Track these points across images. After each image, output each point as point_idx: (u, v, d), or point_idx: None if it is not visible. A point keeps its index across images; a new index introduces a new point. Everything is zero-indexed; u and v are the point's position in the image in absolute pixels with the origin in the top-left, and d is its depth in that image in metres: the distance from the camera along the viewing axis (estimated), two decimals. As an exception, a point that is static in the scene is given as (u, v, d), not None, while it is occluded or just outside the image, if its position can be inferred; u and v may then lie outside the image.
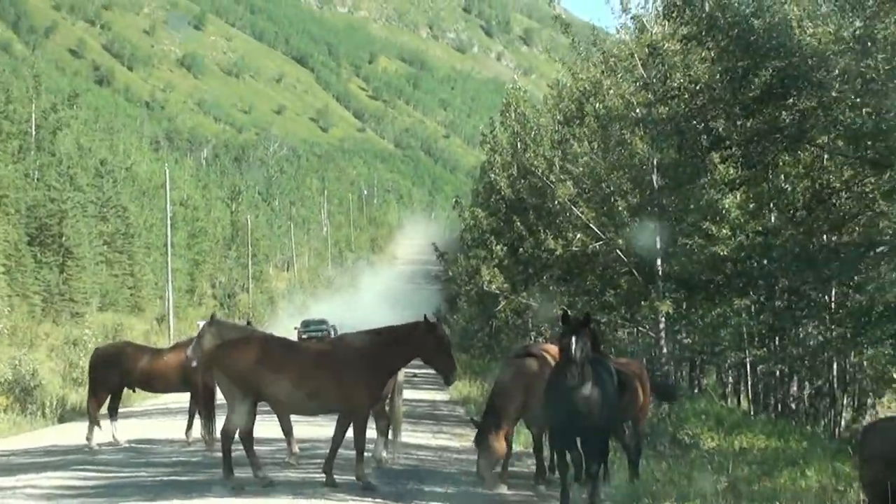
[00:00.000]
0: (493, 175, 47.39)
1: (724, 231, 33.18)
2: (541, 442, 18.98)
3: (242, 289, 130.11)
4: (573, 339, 15.52)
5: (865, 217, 28.93)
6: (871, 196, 27.93)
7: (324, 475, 18.22)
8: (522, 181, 42.98)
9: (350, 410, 17.96)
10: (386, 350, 17.99)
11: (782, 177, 31.68)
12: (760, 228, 31.76)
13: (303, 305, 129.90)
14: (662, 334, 35.44)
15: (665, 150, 33.45)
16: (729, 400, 48.97)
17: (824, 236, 29.16)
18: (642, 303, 36.02)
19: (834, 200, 28.71)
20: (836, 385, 36.05)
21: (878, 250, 27.46)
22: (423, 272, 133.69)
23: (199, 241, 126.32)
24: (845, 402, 36.28)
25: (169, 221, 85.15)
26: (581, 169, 36.32)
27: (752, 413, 40.27)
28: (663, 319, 35.22)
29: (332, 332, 78.13)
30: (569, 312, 16.55)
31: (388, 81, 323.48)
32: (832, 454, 26.56)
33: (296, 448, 21.17)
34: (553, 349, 19.05)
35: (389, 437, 21.25)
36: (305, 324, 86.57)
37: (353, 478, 18.09)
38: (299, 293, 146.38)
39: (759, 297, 30.83)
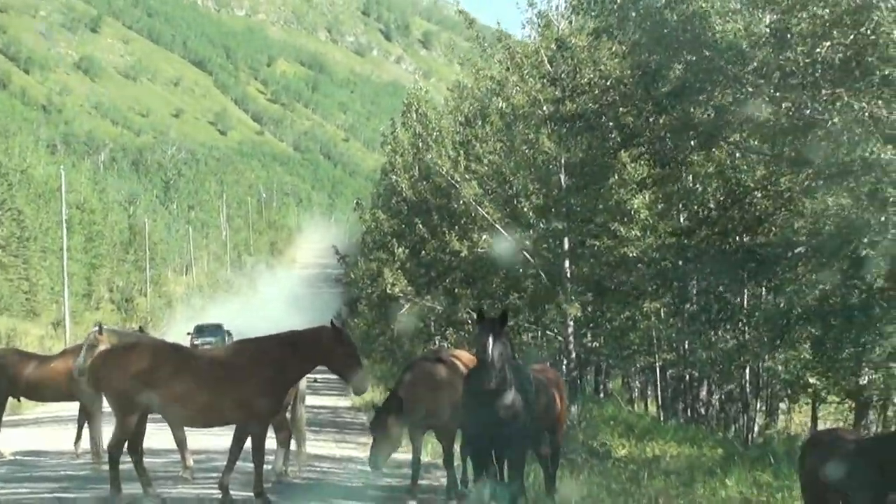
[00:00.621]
0: (394, 177, 46.32)
1: (634, 232, 32.32)
2: (451, 454, 17.77)
3: (140, 293, 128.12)
4: (489, 339, 14.33)
5: (781, 217, 28.08)
6: (786, 195, 27.09)
7: (220, 491, 16.82)
8: (425, 182, 42.07)
9: (248, 422, 16.59)
10: (288, 357, 16.58)
11: (690, 177, 30.76)
12: (670, 230, 30.73)
13: (202, 309, 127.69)
14: (571, 338, 34.42)
15: (573, 149, 32.55)
16: (636, 405, 48.22)
17: (737, 237, 28.15)
18: (548, 306, 35.05)
19: (749, 200, 27.83)
20: (748, 390, 35.22)
21: (795, 251, 26.64)
22: (323, 276, 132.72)
23: (96, 245, 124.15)
24: (758, 407, 35.46)
25: (65, 225, 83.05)
26: (486, 168, 35.23)
27: (661, 418, 39.45)
28: (571, 323, 34.22)
29: (227, 339, 76.10)
30: (483, 310, 15.39)
31: (286, 85, 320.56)
32: (750, 462, 25.78)
33: (190, 461, 19.79)
34: (464, 355, 17.92)
35: (291, 448, 19.87)
36: (199, 329, 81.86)
37: (252, 494, 16.77)
38: (198, 297, 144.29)
39: (672, 299, 29.73)
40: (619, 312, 35.27)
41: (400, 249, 40.30)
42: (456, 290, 36.98)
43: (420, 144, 42.27)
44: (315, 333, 17.09)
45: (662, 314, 35.84)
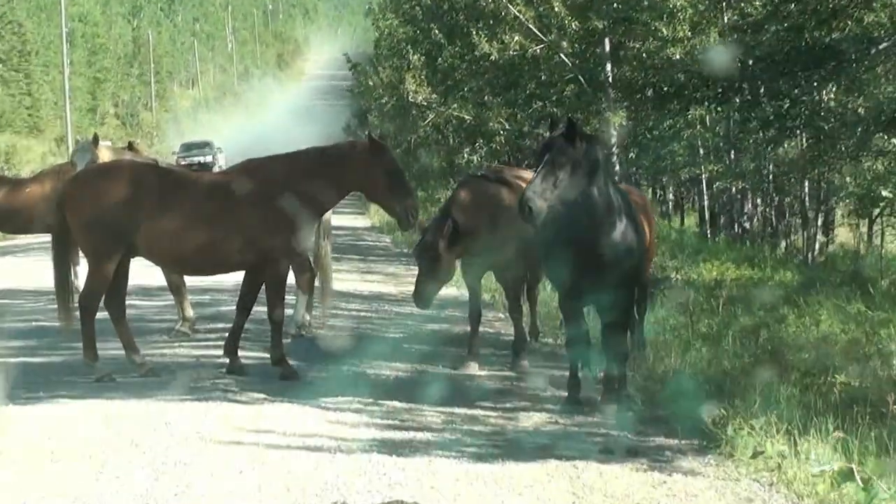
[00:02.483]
0: None
1: (682, 31, 28.33)
2: (517, 302, 13.92)
3: (145, 107, 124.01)
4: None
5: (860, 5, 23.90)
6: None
7: (226, 358, 13.15)
8: None
9: (265, 266, 12.78)
10: (315, 180, 12.68)
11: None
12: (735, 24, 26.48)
13: (208, 124, 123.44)
14: (615, 150, 30.49)
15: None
16: (671, 220, 44.51)
17: (814, 32, 23.89)
18: (589, 115, 30.98)
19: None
20: (807, 203, 31.38)
21: (880, 47, 22.62)
22: (330, 87, 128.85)
23: (99, 59, 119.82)
24: (819, 222, 31.60)
25: (66, 38, 78.46)
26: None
27: (705, 234, 35.76)
28: (615, 133, 30.26)
29: (217, 156, 70.74)
30: (556, 119, 11.45)
31: None
32: (834, 288, 22.08)
33: (189, 310, 15.77)
34: (526, 174, 14.01)
35: (315, 293, 15.93)
36: (186, 147, 73.82)
37: (268, 357, 13.11)
38: (204, 111, 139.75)
39: (744, 102, 25.44)
40: (662, 120, 31.16)
41: (416, 57, 36.12)
42: (486, 98, 32.74)
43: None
44: (348, 148, 13.30)
45: (708, 121, 31.97)
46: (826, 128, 24.14)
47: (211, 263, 12.93)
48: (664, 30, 28.56)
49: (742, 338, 15.54)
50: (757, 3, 27.04)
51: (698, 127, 31.84)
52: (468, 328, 13.82)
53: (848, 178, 28.18)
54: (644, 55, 29.75)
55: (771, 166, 32.04)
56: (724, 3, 30.02)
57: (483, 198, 13.38)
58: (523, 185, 13.59)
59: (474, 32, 31.15)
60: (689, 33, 28.86)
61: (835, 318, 18.71)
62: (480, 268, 13.90)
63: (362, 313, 18.17)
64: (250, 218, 12.50)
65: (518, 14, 30.33)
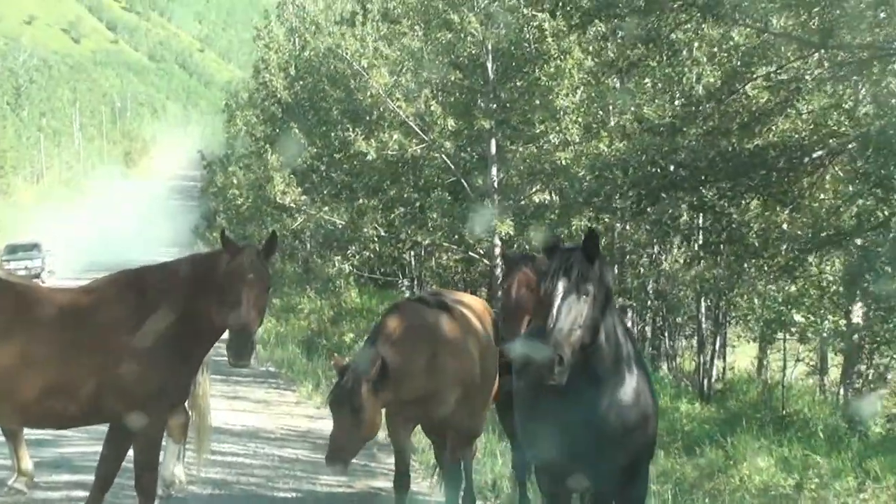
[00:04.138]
0: (267, 75, 40.78)
1: (570, 134, 25.85)
2: (456, 471, 10.60)
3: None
4: (559, 286, 7.22)
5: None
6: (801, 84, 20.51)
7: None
8: (301, 82, 37.16)
9: (130, 416, 9.09)
10: (211, 298, 9.10)
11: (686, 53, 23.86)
12: (656, 122, 23.79)
13: (52, 220, 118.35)
14: (497, 262, 27.53)
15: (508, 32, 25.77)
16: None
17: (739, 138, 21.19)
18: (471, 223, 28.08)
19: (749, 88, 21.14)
20: (704, 326, 28.57)
21: (813, 156, 20.09)
22: (181, 187, 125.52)
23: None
24: (717, 345, 28.89)
25: None
26: (398, 53, 28.00)
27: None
28: (499, 243, 27.38)
29: (46, 262, 63.76)
30: (559, 241, 8.02)
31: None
32: (758, 426, 20.00)
33: (27, 462, 12.14)
34: (474, 302, 10.80)
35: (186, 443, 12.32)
36: (11, 249, 64.31)
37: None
38: (49, 207, 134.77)
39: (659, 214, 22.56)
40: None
41: (274, 157, 33.12)
42: (361, 201, 29.53)
43: (297, 40, 36.68)
44: (215, 257, 9.41)
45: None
46: (756, 244, 21.29)
47: (59, 414, 9.18)
48: (552, 135, 26.17)
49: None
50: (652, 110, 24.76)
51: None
52: (385, 486, 10.40)
53: (756, 300, 25.55)
54: (529, 160, 27.22)
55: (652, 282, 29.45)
56: (610, 107, 27.73)
57: (420, 328, 10.07)
58: (466, 312, 10.44)
59: (350, 129, 28.06)
60: (577, 137, 26.48)
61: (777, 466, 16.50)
62: (413, 419, 10.54)
63: (239, 457, 14.52)
64: (117, 352, 9.00)
65: (397, 110, 27.39)
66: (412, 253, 40.39)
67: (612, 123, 27.47)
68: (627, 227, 27.90)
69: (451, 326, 10.06)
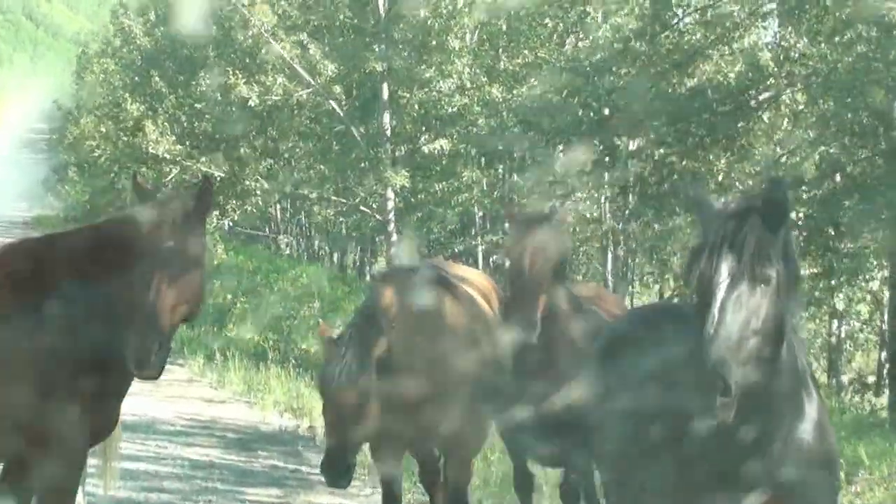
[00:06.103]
0: (126, 21, 38.24)
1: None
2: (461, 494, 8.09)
3: None
4: None
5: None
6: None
7: None
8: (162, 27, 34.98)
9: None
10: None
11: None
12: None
13: None
14: (391, 217, 25.07)
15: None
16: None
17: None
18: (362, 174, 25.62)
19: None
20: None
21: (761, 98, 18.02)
22: (28, 140, 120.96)
23: None
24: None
25: None
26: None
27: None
28: (392, 196, 24.97)
29: None
30: None
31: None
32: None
33: None
34: (478, 278, 8.38)
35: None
36: None
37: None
38: None
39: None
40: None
41: (134, 106, 30.28)
42: (242, 151, 26.74)
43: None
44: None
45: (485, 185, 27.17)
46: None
47: None
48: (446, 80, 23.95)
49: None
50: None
51: (475, 191, 26.77)
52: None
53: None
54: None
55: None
56: (499, 50, 25.64)
57: (423, 315, 7.51)
58: (470, 289, 7.92)
59: (230, 73, 25.27)
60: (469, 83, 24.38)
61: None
62: (404, 435, 7.87)
63: (141, 464, 11.50)
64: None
65: (282, 52, 24.74)
66: (279, 206, 38.11)
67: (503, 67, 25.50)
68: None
69: (456, 311, 7.56)
